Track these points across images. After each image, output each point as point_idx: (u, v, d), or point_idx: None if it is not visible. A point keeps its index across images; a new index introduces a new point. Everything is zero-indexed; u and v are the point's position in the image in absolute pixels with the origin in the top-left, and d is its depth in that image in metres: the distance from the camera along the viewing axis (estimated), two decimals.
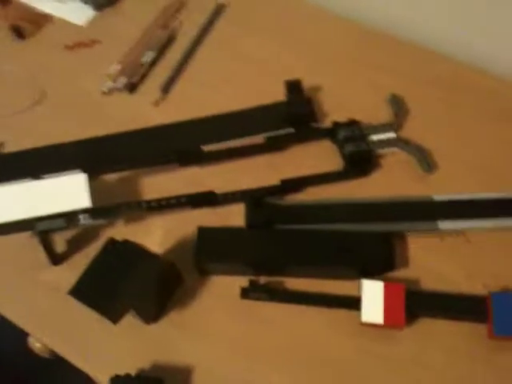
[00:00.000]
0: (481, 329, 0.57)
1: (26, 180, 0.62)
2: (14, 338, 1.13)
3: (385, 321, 0.55)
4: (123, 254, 0.55)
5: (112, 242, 0.55)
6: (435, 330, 0.58)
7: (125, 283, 0.54)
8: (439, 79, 0.76)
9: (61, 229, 0.60)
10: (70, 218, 0.60)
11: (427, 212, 0.63)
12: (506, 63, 0.76)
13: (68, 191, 0.61)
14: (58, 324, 0.61)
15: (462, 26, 0.77)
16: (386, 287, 0.57)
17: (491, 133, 0.71)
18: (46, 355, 0.79)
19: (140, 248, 0.56)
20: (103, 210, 0.61)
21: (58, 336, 0.61)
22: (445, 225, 0.63)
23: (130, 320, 0.60)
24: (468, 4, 0.74)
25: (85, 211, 0.60)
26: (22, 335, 0.76)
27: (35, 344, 0.78)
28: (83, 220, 0.60)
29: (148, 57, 0.79)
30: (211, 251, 0.61)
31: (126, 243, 0.56)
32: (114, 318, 0.52)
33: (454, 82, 0.75)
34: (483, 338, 0.57)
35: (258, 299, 0.61)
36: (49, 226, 0.60)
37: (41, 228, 0.60)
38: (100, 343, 0.60)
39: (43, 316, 0.62)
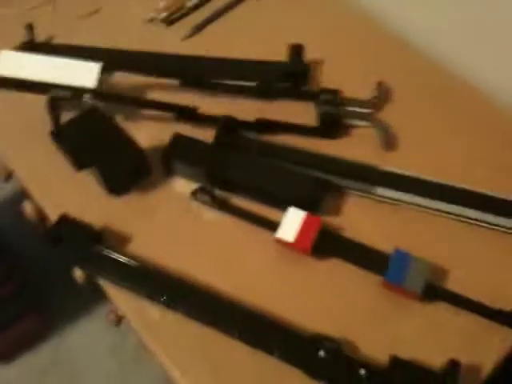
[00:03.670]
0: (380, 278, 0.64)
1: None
2: None
3: (295, 240, 0.64)
4: (103, 124, 0.67)
5: (94, 109, 0.67)
6: (339, 269, 0.66)
7: (98, 146, 0.66)
8: (429, 87, 0.83)
9: (66, 99, 0.73)
10: (76, 92, 0.73)
11: (370, 176, 0.71)
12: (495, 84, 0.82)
13: (82, 72, 0.74)
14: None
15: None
16: (305, 216, 0.65)
17: (460, 141, 0.76)
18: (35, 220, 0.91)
19: (119, 128, 0.68)
20: (104, 94, 0.74)
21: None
22: (382, 191, 0.70)
23: (97, 188, 0.72)
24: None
25: (89, 91, 0.73)
26: None
27: (27, 208, 0.90)
28: (86, 98, 0.73)
29: (192, 3, 0.92)
30: (178, 153, 0.72)
31: (109, 117, 0.68)
32: (78, 166, 0.64)
33: (443, 91, 0.83)
34: (379, 286, 0.64)
35: (203, 203, 0.71)
36: (58, 93, 0.72)
37: (52, 94, 0.73)
38: (69, 196, 0.73)
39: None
